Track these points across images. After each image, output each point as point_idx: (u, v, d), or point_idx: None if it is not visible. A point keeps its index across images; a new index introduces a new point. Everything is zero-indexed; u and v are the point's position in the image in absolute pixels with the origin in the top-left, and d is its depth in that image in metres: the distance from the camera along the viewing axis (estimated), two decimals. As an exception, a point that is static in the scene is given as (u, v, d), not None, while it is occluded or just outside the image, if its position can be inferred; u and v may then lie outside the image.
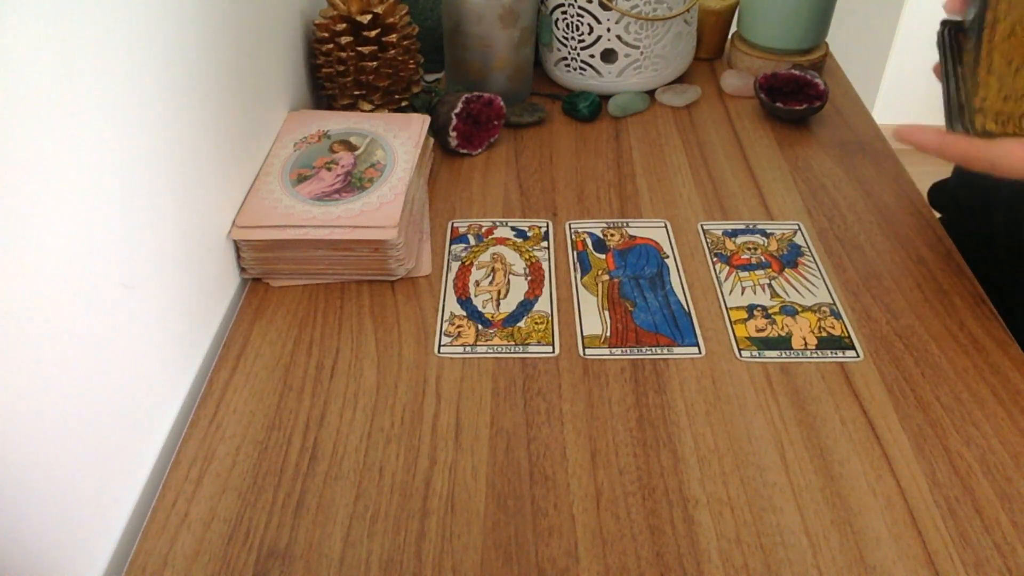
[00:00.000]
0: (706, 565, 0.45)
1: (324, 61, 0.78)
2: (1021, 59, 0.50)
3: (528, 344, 0.59)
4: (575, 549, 0.46)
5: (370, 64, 0.76)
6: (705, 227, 0.70)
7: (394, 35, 0.77)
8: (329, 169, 0.67)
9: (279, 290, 0.64)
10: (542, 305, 0.62)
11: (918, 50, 2.09)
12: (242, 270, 0.64)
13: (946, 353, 0.57)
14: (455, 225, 0.71)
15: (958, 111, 0.52)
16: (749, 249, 0.67)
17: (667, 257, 0.67)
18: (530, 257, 0.67)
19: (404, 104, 0.82)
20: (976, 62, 0.51)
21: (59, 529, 0.42)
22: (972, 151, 0.51)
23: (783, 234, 0.69)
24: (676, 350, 0.58)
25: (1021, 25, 0.49)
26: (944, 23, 0.55)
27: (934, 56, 0.56)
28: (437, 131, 0.78)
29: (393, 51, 0.77)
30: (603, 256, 0.67)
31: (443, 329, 0.60)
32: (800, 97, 0.84)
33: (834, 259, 0.66)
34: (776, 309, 0.61)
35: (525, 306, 0.62)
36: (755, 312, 0.61)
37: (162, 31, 0.51)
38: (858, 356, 0.57)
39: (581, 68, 0.88)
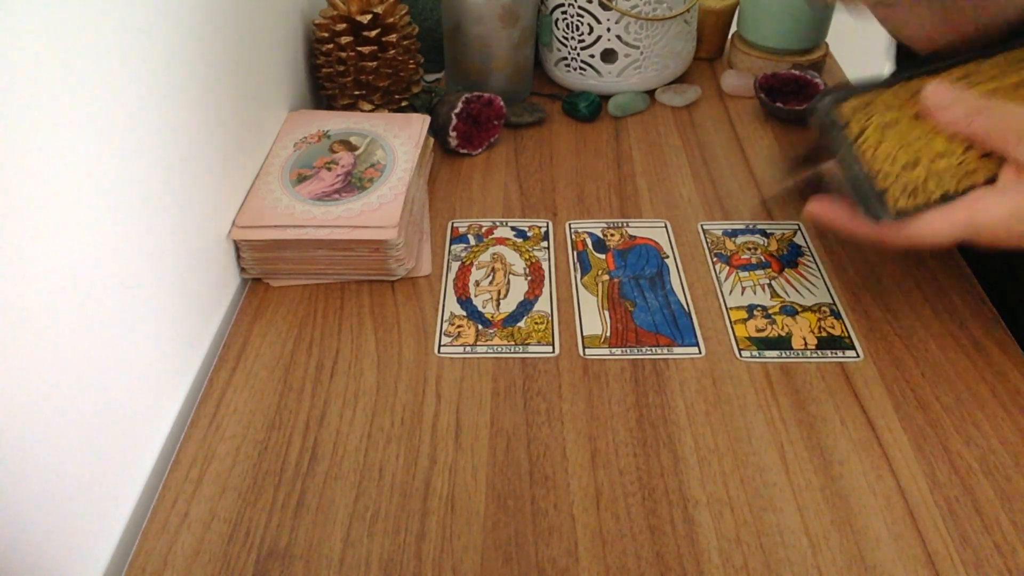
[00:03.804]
0: (706, 565, 0.45)
1: (324, 61, 0.78)
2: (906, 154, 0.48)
3: (528, 344, 0.59)
4: (575, 549, 0.46)
5: (370, 64, 0.76)
6: (705, 227, 0.70)
7: (394, 35, 0.77)
8: (329, 169, 0.67)
9: (279, 290, 0.64)
10: (542, 305, 0.62)
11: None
12: (242, 270, 0.64)
13: (946, 353, 0.57)
14: (455, 225, 0.71)
15: (871, 195, 0.48)
16: (749, 249, 0.67)
17: (667, 257, 0.67)
18: (530, 257, 0.67)
19: (404, 104, 0.82)
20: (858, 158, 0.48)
21: (59, 529, 0.42)
22: (885, 233, 0.48)
23: (783, 234, 0.69)
24: (676, 350, 0.58)
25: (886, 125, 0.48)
26: (820, 109, 0.49)
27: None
28: (437, 131, 0.78)
29: (393, 51, 0.77)
30: (603, 256, 0.67)
31: (443, 329, 0.60)
32: (800, 97, 0.84)
33: (834, 259, 0.66)
34: (776, 309, 0.61)
35: (525, 306, 0.62)
36: (755, 312, 0.61)
37: (161, 31, 0.51)
38: (858, 356, 0.57)
39: (581, 68, 0.88)
